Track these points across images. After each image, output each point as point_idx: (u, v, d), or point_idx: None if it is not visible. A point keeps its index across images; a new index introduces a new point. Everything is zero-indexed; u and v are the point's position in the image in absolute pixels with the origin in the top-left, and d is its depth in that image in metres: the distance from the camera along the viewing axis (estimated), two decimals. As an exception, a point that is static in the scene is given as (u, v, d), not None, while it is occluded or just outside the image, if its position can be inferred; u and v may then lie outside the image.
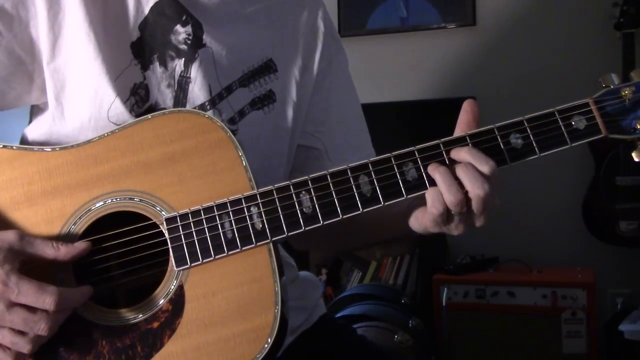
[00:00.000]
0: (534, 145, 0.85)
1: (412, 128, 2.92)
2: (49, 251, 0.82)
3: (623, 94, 0.85)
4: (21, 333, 0.78)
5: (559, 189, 2.88)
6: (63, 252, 0.82)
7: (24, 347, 0.78)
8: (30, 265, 0.81)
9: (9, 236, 0.80)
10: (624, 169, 2.58)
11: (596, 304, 2.42)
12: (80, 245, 0.83)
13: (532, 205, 2.91)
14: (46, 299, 0.77)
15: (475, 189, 0.81)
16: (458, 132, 0.87)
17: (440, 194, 0.82)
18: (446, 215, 0.83)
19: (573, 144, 0.85)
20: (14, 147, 0.90)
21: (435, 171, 0.83)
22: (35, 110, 1.01)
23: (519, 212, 2.89)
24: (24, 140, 1.01)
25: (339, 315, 2.27)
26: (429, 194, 0.83)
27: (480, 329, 2.51)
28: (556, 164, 2.85)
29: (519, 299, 2.48)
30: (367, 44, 3.13)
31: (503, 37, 2.95)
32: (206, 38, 1.00)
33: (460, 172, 0.82)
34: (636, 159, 0.86)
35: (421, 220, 0.88)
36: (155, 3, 0.97)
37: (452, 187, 0.81)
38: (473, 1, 2.98)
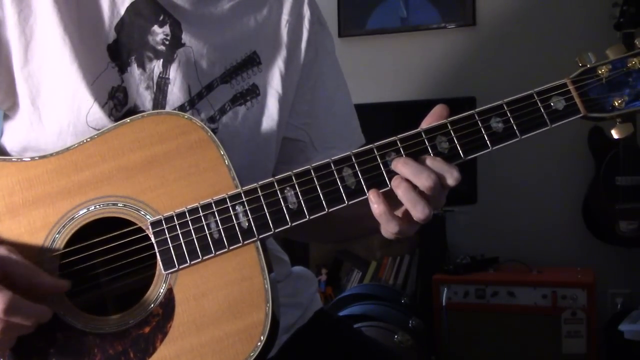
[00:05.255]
0: (515, 128, 0.85)
1: (411, 128, 2.88)
2: (28, 273, 0.81)
3: (600, 72, 0.86)
4: None
5: (559, 189, 2.87)
6: (38, 280, 0.81)
7: None
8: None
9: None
10: (624, 169, 2.57)
11: (596, 304, 2.42)
12: (59, 282, 0.83)
13: (532, 205, 2.89)
14: None
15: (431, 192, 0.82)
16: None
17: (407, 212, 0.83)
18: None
19: (553, 125, 0.85)
20: None
21: (398, 188, 0.83)
22: (9, 118, 0.98)
23: (518, 212, 2.88)
24: (1, 150, 0.98)
25: (339, 315, 2.27)
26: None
27: (480, 329, 2.51)
28: (556, 164, 2.84)
29: (519, 299, 2.47)
30: (367, 44, 3.13)
31: (503, 37, 2.95)
32: (185, 37, 0.98)
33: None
34: (615, 136, 0.86)
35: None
36: (131, 3, 0.95)
37: (417, 206, 0.82)
38: (473, 1, 2.97)
